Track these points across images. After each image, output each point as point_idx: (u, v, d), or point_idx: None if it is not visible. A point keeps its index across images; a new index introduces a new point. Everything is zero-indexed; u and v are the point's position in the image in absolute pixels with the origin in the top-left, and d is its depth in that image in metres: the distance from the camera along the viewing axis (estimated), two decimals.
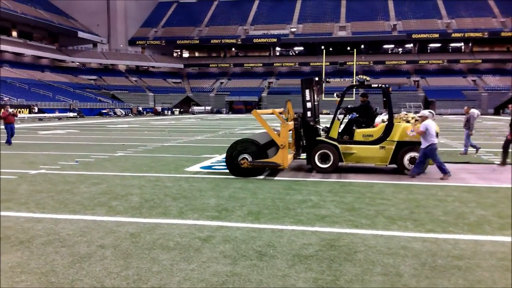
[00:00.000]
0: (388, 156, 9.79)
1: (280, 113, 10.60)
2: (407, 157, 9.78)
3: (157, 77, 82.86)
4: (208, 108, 72.54)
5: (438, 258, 4.52)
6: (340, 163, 10.04)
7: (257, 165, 9.45)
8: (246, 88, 75.93)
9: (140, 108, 62.95)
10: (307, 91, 10.21)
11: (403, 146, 9.77)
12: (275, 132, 9.77)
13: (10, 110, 17.30)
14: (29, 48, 68.61)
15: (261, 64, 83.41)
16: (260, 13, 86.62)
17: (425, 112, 9.53)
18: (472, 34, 73.11)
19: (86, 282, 3.86)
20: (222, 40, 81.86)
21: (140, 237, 5.16)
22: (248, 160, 9.46)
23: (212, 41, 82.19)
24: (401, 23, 77.78)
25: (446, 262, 4.41)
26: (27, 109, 45.03)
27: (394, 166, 10.05)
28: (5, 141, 16.46)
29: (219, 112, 72.01)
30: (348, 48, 78.54)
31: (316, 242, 5.00)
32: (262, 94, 74.11)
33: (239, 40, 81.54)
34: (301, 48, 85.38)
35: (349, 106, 11.18)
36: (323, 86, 11.11)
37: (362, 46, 79.01)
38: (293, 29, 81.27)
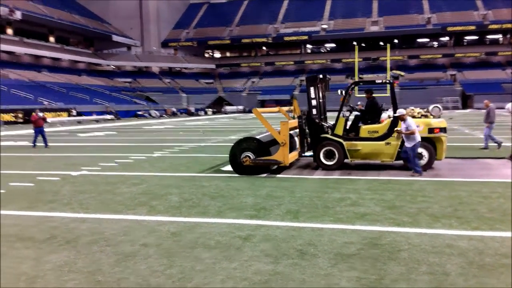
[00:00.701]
0: (394, 152, 9.66)
1: (287, 111, 10.59)
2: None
3: (189, 78, 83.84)
4: (241, 107, 72.77)
5: (485, 257, 4.38)
6: (346, 160, 9.99)
7: (259, 162, 9.50)
8: (277, 86, 75.75)
9: (174, 109, 63.80)
10: (311, 89, 10.19)
11: None
12: (276, 130, 9.71)
13: (40, 114, 17.82)
14: (66, 53, 70.76)
15: (292, 62, 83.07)
16: (290, 11, 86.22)
17: (402, 111, 9.27)
18: (510, 26, 70.43)
19: (131, 280, 3.94)
20: (253, 39, 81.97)
21: (181, 236, 5.23)
22: (251, 158, 9.53)
23: (243, 40, 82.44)
24: (435, 16, 75.77)
25: (494, 261, 4.27)
26: (66, 112, 46.41)
27: (401, 162, 9.89)
28: (32, 144, 16.88)
29: (251, 111, 72.07)
30: (381, 43, 77.09)
31: (357, 241, 4.93)
32: (294, 92, 73.80)
33: (269, 38, 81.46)
34: (333, 44, 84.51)
35: (355, 107, 10.92)
36: (328, 83, 11.07)
37: (396, 41, 77.41)
38: (324, 26, 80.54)
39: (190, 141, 18.32)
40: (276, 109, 10.62)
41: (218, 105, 74.97)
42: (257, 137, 9.91)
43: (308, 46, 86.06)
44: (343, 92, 10.37)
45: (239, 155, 9.65)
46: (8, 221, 6.05)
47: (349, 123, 10.58)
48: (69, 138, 22.37)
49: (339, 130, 10.09)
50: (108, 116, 49.54)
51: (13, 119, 39.79)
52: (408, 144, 9.02)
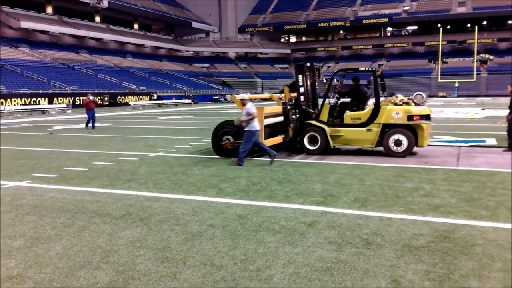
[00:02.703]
0: (375, 138, 9.93)
1: (279, 98, 11.24)
2: (391, 139, 9.82)
3: (264, 63, 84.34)
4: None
5: None
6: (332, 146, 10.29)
7: (236, 145, 9.71)
8: None
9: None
10: (300, 76, 10.57)
11: (388, 129, 9.86)
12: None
13: (91, 98, 19.28)
14: (148, 39, 74.11)
15: (371, 46, 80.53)
16: None
17: (245, 96, 9.52)
18: None
19: (197, 259, 4.08)
20: (330, 23, 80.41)
21: (247, 219, 5.31)
22: (230, 141, 10.04)
23: (319, 24, 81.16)
24: None
25: None
26: (148, 96, 48.74)
27: (381, 148, 10.07)
28: (85, 125, 18.57)
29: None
30: (468, 25, 72.33)
31: (428, 233, 4.71)
32: (371, 77, 71.53)
33: (347, 22, 79.43)
34: (415, 27, 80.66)
35: (342, 91, 11.20)
36: (320, 71, 11.34)
37: (485, 22, 72.13)
38: (406, 7, 76.91)
39: None
40: (268, 95, 11.20)
41: (292, 90, 74.66)
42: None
43: (388, 29, 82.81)
44: (335, 80, 11.05)
45: (220, 138, 10.17)
46: (89, 197, 6.50)
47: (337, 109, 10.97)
48: (149, 121, 23.49)
49: (324, 117, 10.42)
50: (186, 100, 51.31)
51: (99, 102, 42.50)
52: (247, 129, 9.04)
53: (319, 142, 10.20)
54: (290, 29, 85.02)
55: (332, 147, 10.25)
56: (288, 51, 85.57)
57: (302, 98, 10.55)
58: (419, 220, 5.19)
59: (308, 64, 10.78)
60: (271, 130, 10.66)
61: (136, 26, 74.90)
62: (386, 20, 76.57)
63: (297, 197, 6.35)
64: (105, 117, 26.69)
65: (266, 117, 10.11)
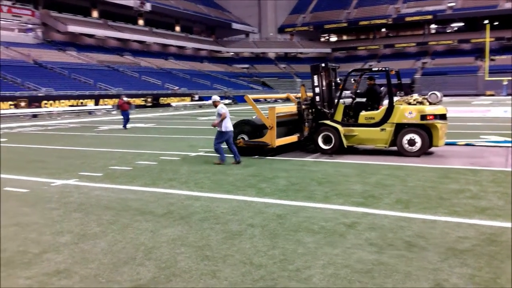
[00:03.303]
0: (388, 138, 9.96)
1: (297, 97, 11.39)
2: (405, 139, 9.81)
3: (304, 63, 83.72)
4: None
5: None
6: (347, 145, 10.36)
7: (250, 144, 10.31)
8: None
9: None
10: (315, 77, 10.77)
11: (402, 128, 9.85)
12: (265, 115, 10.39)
13: (125, 99, 19.66)
14: (190, 41, 75.29)
15: (414, 44, 78.40)
16: None
17: (216, 97, 9.85)
18: None
19: (236, 258, 4.12)
20: (371, 21, 78.94)
21: (286, 218, 5.31)
22: (244, 139, 10.39)
23: (360, 23, 79.86)
24: None
25: None
26: (189, 97, 49.51)
27: (395, 148, 10.02)
28: (123, 126, 18.98)
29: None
30: None
31: (473, 236, 4.56)
32: (415, 76, 69.72)
33: (389, 19, 77.73)
34: (460, 24, 77.90)
35: (357, 91, 11.30)
36: (337, 71, 11.59)
37: None
38: (450, 4, 74.44)
39: None
40: (285, 95, 11.16)
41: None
42: (253, 120, 10.80)
43: (432, 26, 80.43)
44: (352, 80, 11.08)
45: (235, 137, 10.35)
46: (133, 195, 6.69)
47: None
48: (190, 122, 23.87)
49: (338, 116, 10.53)
50: (226, 101, 51.71)
51: (143, 103, 43.59)
52: (219, 129, 9.39)
53: (333, 142, 10.31)
54: (331, 28, 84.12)
55: (345, 146, 10.33)
56: (329, 50, 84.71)
57: (317, 98, 10.75)
58: (465, 222, 5.02)
59: (323, 65, 10.96)
60: (286, 129, 10.98)
61: (177, 28, 76.28)
62: (430, 17, 74.35)
63: (337, 197, 6.28)
64: (148, 118, 27.35)
65: (278, 116, 10.40)
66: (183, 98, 48.76)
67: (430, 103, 10.02)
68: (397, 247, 4.31)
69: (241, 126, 10.66)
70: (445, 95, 11.30)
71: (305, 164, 9.14)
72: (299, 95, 11.54)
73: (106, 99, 40.04)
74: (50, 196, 6.73)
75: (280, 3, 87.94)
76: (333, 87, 11.10)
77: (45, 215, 5.71)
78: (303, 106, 10.84)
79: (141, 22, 69.57)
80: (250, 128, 10.53)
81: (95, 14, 62.65)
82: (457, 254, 4.08)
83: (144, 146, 12.79)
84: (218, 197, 6.47)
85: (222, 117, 9.37)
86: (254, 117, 11.09)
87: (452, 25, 79.73)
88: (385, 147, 10.10)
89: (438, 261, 3.95)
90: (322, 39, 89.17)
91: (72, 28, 54.71)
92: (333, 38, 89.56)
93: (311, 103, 10.94)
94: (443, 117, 9.87)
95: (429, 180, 7.28)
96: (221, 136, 9.47)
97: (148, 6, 64.08)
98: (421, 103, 10.01)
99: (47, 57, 47.56)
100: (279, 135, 10.34)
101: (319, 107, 10.75)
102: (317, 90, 10.76)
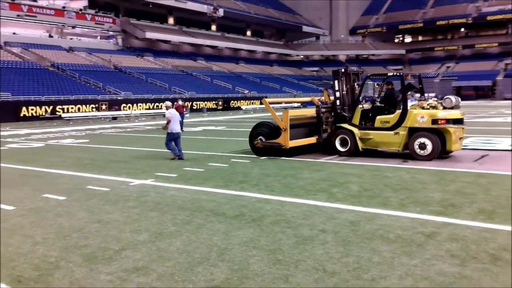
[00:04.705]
0: (401, 141, 10.10)
1: (320, 100, 11.68)
2: (416, 143, 9.89)
3: (376, 64, 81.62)
4: (432, 95, 67.83)
5: None
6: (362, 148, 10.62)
7: (266, 145, 10.90)
8: (476, 71, 67.99)
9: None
10: (336, 82, 11.11)
11: (414, 132, 9.93)
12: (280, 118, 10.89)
13: (180, 102, 20.46)
14: (260, 45, 76.15)
15: (496, 44, 73.60)
16: None
17: (168, 103, 11.78)
18: None
19: (309, 263, 4.06)
20: (450, 21, 75.22)
21: (360, 225, 5.16)
22: (262, 141, 10.99)
23: (437, 22, 76.37)
24: None
25: None
26: (258, 101, 50.00)
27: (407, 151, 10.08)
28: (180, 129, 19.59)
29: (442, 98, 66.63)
30: None
31: None
32: (497, 78, 65.43)
33: (469, 19, 73.66)
34: None
35: (375, 96, 11.68)
36: (359, 75, 11.82)
37: None
38: None
39: None
40: (309, 98, 12.06)
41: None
42: (271, 122, 11.27)
43: None
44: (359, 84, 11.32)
45: (254, 138, 11.20)
46: (206, 196, 6.84)
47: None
48: None
49: (356, 120, 10.81)
50: (296, 104, 51.61)
51: (214, 106, 44.68)
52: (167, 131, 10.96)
53: (349, 144, 10.66)
54: (405, 29, 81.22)
55: (360, 149, 10.59)
56: (403, 51, 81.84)
57: (338, 102, 11.10)
58: None
59: (343, 70, 11.35)
60: (304, 131, 11.39)
61: (248, 32, 77.45)
62: None
63: (414, 205, 6.02)
64: (219, 121, 27.97)
65: (294, 119, 11.05)
66: (252, 101, 49.42)
67: (444, 108, 10.03)
68: (481, 260, 4.04)
69: (258, 128, 11.34)
70: None
71: (378, 169, 8.86)
72: (321, 98, 11.84)
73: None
74: (129, 195, 7.05)
75: (352, 4, 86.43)
76: (355, 91, 11.37)
77: (124, 213, 5.99)
78: (323, 110, 11.16)
79: (213, 27, 71.46)
80: (267, 130, 11.10)
81: (171, 20, 65.26)
82: None
83: (216, 148, 13.07)
84: (289, 201, 6.44)
85: (167, 121, 11.01)
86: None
87: None
88: (398, 150, 10.30)
89: None
90: (396, 40, 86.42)
91: (150, 35, 57.30)
92: (408, 39, 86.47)
93: (332, 107, 11.23)
94: (456, 121, 9.87)
95: None
96: (169, 137, 10.96)
97: (221, 12, 65.69)
98: (434, 107, 10.07)
99: (126, 62, 50.22)
100: (296, 137, 10.85)
101: (338, 110, 11.08)
102: (337, 94, 11.12)
